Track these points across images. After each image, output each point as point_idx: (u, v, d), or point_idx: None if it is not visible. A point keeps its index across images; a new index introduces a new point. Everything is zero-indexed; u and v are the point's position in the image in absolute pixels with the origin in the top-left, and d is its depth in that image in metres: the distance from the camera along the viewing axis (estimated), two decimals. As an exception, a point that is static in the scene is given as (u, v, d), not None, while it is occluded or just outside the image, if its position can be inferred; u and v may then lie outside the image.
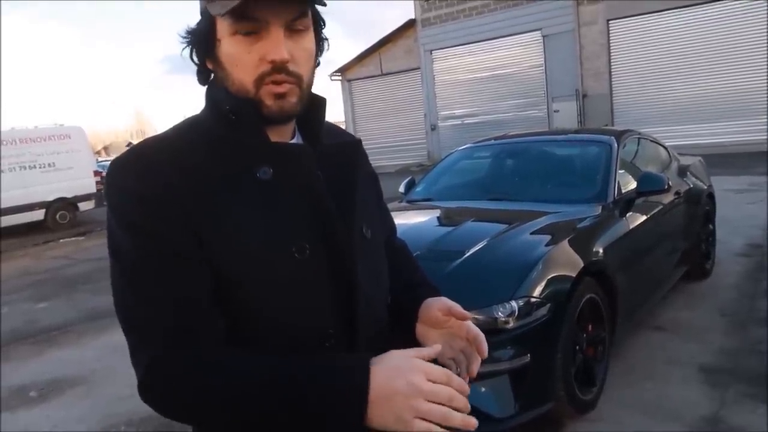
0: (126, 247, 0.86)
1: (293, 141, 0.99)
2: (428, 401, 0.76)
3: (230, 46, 0.88)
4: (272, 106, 0.89)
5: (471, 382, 1.01)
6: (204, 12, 0.90)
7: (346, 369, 0.81)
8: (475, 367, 1.04)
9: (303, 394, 0.79)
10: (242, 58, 0.88)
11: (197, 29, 0.92)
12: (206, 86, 0.96)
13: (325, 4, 0.89)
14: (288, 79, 0.89)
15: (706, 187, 5.27)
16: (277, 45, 0.87)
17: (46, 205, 13.02)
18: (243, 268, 0.86)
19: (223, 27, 0.88)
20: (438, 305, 1.06)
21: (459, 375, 1.00)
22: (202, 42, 0.91)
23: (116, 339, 5.09)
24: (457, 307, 1.04)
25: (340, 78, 22.26)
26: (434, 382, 0.78)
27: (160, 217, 0.84)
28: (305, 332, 0.90)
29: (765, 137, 14.17)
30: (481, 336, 1.04)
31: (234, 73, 0.89)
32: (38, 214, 12.95)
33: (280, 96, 0.89)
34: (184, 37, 0.93)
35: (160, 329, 0.83)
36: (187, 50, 0.94)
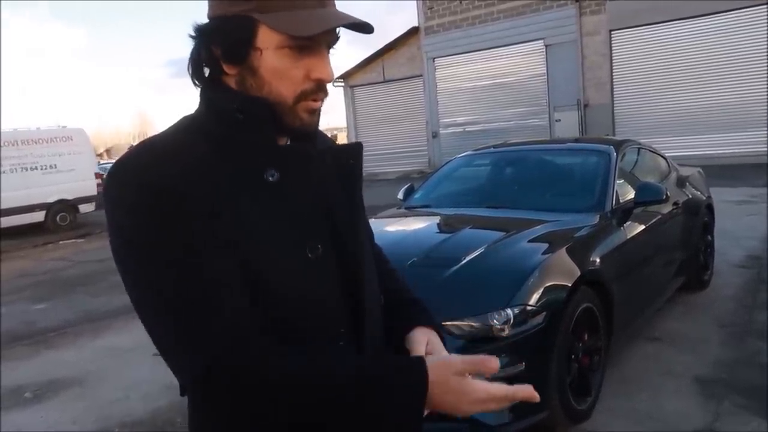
0: (151, 248, 0.81)
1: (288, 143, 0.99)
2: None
3: (276, 59, 0.87)
4: (306, 120, 0.91)
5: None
6: (245, 19, 0.86)
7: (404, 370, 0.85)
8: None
9: (368, 395, 0.83)
10: (288, 72, 0.88)
11: (229, 33, 0.87)
12: (202, 86, 0.94)
13: (372, 31, 0.91)
14: (323, 97, 0.93)
15: (705, 198, 5.28)
16: (326, 65, 0.90)
17: (47, 207, 13.02)
18: (258, 265, 0.85)
19: (270, 38, 0.86)
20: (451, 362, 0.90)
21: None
22: (235, 48, 0.88)
23: (112, 341, 5.17)
24: (484, 361, 0.90)
25: (342, 84, 22.32)
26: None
27: (185, 208, 0.81)
28: (319, 332, 0.90)
29: (765, 149, 14.19)
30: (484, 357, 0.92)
31: (274, 84, 0.88)
32: (38, 216, 12.95)
33: (314, 111, 0.92)
34: (202, 37, 0.90)
35: (213, 328, 0.80)
36: (204, 49, 0.90)
